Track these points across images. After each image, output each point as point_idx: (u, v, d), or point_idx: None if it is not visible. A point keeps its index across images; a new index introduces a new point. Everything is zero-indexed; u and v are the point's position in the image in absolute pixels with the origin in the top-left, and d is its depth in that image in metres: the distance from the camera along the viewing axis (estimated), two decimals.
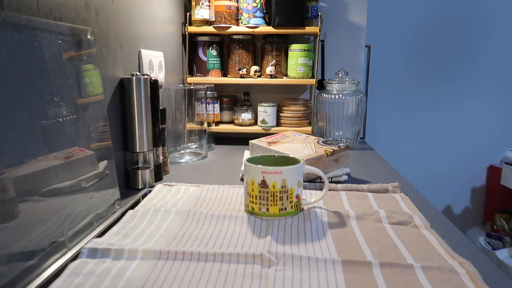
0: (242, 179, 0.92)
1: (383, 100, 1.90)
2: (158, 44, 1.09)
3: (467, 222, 2.07)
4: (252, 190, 0.67)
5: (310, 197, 0.78)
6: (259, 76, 1.36)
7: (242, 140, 1.37)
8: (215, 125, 1.40)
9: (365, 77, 1.53)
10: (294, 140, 1.00)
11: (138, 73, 0.85)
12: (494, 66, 1.92)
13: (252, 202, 0.67)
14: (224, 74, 1.43)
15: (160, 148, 0.91)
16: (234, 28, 1.32)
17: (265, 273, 0.49)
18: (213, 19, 1.33)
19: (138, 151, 0.84)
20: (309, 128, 1.35)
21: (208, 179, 0.94)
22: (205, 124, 1.17)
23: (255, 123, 1.41)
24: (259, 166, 0.66)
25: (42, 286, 0.47)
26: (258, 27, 1.31)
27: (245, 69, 1.36)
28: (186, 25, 1.32)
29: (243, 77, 1.36)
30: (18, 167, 0.49)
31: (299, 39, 1.42)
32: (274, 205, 0.66)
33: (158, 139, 0.89)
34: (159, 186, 0.83)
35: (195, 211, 0.68)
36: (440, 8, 1.84)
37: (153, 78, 0.86)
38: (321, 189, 0.83)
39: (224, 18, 1.31)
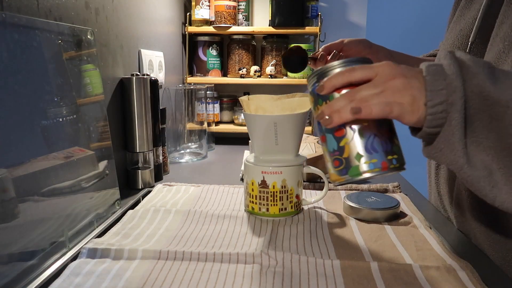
0: (242, 179, 0.92)
1: None
2: (158, 44, 1.09)
3: None
4: (252, 190, 0.67)
5: (310, 197, 0.78)
6: (259, 76, 1.36)
7: (242, 140, 1.37)
8: (215, 125, 1.40)
9: None
10: None
11: (138, 73, 0.85)
12: None
13: (252, 202, 0.67)
14: (224, 74, 1.43)
15: (160, 148, 0.91)
16: (234, 28, 1.32)
17: (265, 273, 0.49)
18: (213, 19, 1.33)
19: (138, 151, 0.84)
20: (309, 128, 1.35)
21: (208, 179, 0.94)
22: (205, 124, 1.17)
23: None
24: (259, 166, 0.66)
25: (42, 286, 0.47)
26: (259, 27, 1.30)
27: (245, 69, 1.36)
28: (186, 25, 1.32)
29: (243, 77, 1.36)
30: (18, 167, 0.49)
31: (299, 39, 1.42)
32: (274, 205, 0.66)
33: (158, 139, 0.89)
34: (159, 186, 0.83)
35: (195, 211, 0.68)
36: (440, 7, 1.84)
37: (153, 78, 0.86)
38: (321, 189, 0.83)
39: (224, 18, 1.31)
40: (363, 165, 0.47)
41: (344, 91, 0.46)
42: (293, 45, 0.65)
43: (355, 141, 0.47)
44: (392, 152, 0.47)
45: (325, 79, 0.47)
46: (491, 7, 0.56)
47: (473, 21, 0.59)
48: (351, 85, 0.46)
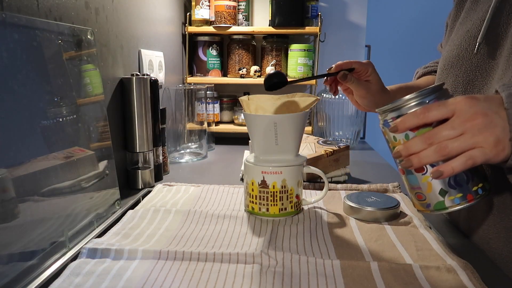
0: (242, 179, 0.92)
1: None
2: (158, 44, 1.09)
3: None
4: (252, 190, 0.67)
5: (310, 197, 0.78)
6: (259, 76, 1.36)
7: (242, 140, 1.37)
8: (215, 125, 1.40)
9: None
10: None
11: (138, 73, 0.85)
12: None
13: (252, 202, 0.67)
14: (224, 74, 1.43)
15: (160, 148, 0.91)
16: (234, 28, 1.32)
17: (265, 273, 0.49)
18: (213, 19, 1.33)
19: (138, 151, 0.84)
20: (309, 128, 1.35)
21: (208, 179, 0.94)
22: (205, 124, 1.17)
23: None
24: (259, 166, 0.66)
25: (42, 286, 0.47)
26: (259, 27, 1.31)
27: (245, 69, 1.36)
28: (186, 25, 1.32)
29: (243, 77, 1.36)
30: (18, 167, 0.49)
31: (299, 39, 1.42)
32: (274, 205, 0.66)
33: (158, 139, 0.89)
34: (159, 186, 0.83)
35: (195, 211, 0.68)
36: (440, 8, 1.84)
37: (153, 78, 0.86)
38: (321, 189, 0.83)
39: (224, 18, 1.31)
40: (448, 201, 0.46)
41: (420, 129, 0.45)
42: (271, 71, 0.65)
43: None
44: (477, 182, 0.46)
45: (398, 120, 0.46)
46: (499, 8, 0.56)
47: (481, 22, 0.58)
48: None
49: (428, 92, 0.46)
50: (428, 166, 0.46)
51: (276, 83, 0.62)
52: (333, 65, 0.76)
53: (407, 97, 0.47)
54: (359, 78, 0.76)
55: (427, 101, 0.46)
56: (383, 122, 0.50)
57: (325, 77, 0.77)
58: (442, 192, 0.46)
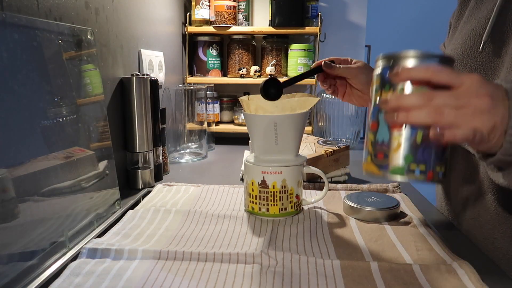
0: (242, 179, 0.92)
1: None
2: (158, 44, 1.09)
3: None
4: (252, 190, 0.67)
5: (310, 197, 0.78)
6: (259, 76, 1.36)
7: (242, 140, 1.37)
8: (215, 125, 1.40)
9: None
10: None
11: (138, 73, 0.85)
12: None
13: (252, 202, 0.67)
14: (224, 74, 1.43)
15: (160, 148, 0.91)
16: (234, 28, 1.32)
17: (265, 273, 0.49)
18: (213, 19, 1.33)
19: (138, 151, 0.84)
20: (309, 128, 1.35)
21: (208, 179, 0.94)
22: (205, 124, 1.17)
23: None
24: (259, 166, 0.66)
25: (42, 286, 0.47)
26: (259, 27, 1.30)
27: (245, 69, 1.36)
28: (186, 25, 1.32)
29: (243, 77, 1.36)
30: (18, 167, 0.49)
31: (299, 39, 1.42)
32: (274, 205, 0.66)
33: (158, 139, 0.89)
34: (159, 186, 0.83)
35: (195, 211, 0.68)
36: (440, 7, 1.85)
37: (153, 78, 0.86)
38: (321, 189, 0.83)
39: (224, 18, 1.31)
40: (409, 169, 0.44)
41: (416, 87, 0.42)
42: (266, 78, 0.64)
43: (411, 142, 0.43)
44: (441, 164, 0.44)
45: (404, 67, 0.42)
46: (505, 6, 0.55)
47: (486, 20, 0.58)
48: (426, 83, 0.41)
49: (438, 55, 0.43)
50: (408, 127, 0.43)
51: (273, 92, 0.62)
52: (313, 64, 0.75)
53: (416, 51, 0.43)
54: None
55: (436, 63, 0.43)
56: (381, 68, 0.45)
57: (317, 76, 0.75)
58: (407, 158, 0.44)
